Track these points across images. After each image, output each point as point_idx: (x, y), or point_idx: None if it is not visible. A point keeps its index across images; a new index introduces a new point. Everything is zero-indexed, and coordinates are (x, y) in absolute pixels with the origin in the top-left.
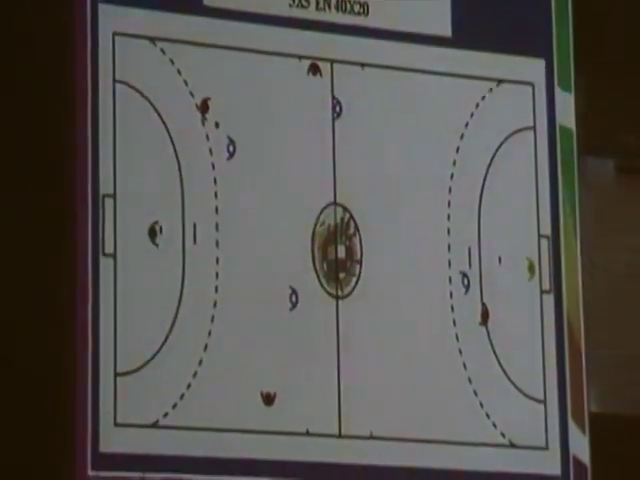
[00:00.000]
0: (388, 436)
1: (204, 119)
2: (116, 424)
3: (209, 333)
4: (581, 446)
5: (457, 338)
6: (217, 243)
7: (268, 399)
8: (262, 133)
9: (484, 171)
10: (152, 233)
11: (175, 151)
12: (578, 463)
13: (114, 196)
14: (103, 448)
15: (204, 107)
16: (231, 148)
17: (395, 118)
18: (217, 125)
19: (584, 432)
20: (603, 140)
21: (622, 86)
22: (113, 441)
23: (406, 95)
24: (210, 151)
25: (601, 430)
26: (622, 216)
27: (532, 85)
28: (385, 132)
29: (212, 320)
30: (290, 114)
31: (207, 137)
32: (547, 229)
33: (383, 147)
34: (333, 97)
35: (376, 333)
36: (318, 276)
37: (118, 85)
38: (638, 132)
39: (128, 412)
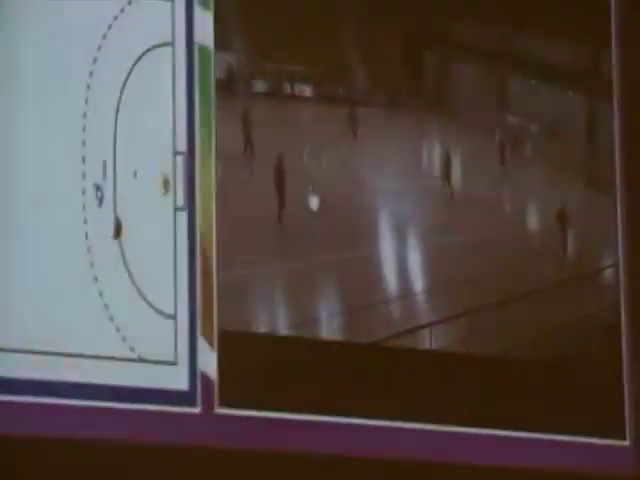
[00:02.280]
0: (26, 349)
1: None
2: None
3: None
4: (209, 362)
5: (89, 251)
6: None
7: None
8: None
9: (120, 86)
10: None
11: None
12: (206, 378)
13: None
14: None
15: None
16: None
17: (34, 32)
18: None
19: (213, 348)
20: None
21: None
22: None
23: (43, 10)
24: None
25: (230, 346)
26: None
27: (171, 1)
28: (32, 42)
29: None
30: None
31: None
32: (183, 146)
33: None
34: None
35: (9, 245)
36: None
37: None
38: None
39: None
